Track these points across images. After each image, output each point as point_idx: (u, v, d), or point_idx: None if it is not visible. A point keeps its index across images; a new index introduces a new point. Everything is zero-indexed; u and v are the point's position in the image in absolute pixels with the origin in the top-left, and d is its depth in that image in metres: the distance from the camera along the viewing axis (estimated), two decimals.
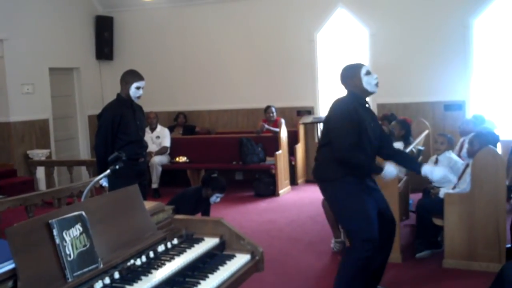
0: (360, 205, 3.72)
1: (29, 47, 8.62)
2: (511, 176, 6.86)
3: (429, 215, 5.02)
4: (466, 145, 5.49)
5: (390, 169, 3.82)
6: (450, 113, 8.42)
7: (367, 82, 3.79)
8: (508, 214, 4.82)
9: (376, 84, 3.84)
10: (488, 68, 8.33)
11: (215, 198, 5.10)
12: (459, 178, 5.08)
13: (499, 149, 5.26)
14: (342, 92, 3.93)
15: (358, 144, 3.66)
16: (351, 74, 3.83)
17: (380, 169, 3.82)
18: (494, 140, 5.21)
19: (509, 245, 4.82)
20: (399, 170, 3.97)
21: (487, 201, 4.60)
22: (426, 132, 7.53)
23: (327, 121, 3.85)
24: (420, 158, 6.72)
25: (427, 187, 5.76)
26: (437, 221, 4.95)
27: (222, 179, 5.18)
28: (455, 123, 8.09)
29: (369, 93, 3.85)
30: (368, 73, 3.81)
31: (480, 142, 4.81)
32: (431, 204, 5.08)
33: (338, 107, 3.77)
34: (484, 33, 8.26)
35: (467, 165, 4.96)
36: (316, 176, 3.93)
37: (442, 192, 4.98)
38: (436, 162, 5.60)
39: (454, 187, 5.06)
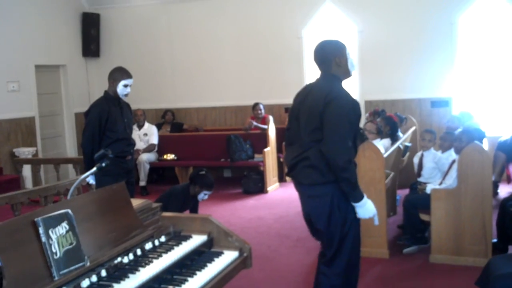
0: (356, 217, 3.27)
1: (15, 44, 8.53)
2: (497, 172, 6.95)
3: (416, 211, 5.05)
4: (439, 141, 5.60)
5: (371, 205, 3.19)
6: (436, 110, 8.48)
7: (351, 64, 3.27)
8: (494, 210, 4.86)
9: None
10: (474, 64, 8.39)
11: (203, 195, 5.08)
12: (446, 173, 5.12)
13: (485, 145, 5.31)
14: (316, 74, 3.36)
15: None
16: (339, 51, 3.23)
17: (361, 196, 3.13)
18: (480, 136, 5.26)
19: (495, 240, 4.87)
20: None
21: (473, 197, 4.64)
22: (413, 128, 7.59)
23: (321, 110, 3.08)
24: (407, 155, 6.78)
25: (414, 183, 5.79)
26: (424, 217, 4.99)
27: (210, 176, 5.16)
28: (442, 120, 8.17)
29: (349, 77, 3.31)
30: (349, 53, 3.28)
31: (467, 138, 4.85)
32: (418, 199, 5.11)
33: (340, 94, 3.12)
34: (469, 29, 8.33)
35: (453, 161, 4.99)
36: (310, 178, 3.15)
37: (429, 188, 5.02)
38: (421, 157, 5.64)
39: (441, 183, 5.09)
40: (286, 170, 3.47)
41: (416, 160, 5.77)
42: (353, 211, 3.21)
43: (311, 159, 3.11)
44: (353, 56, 3.34)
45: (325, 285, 3.27)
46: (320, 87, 3.20)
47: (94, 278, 2.22)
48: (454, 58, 8.35)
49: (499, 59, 8.28)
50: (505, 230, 4.88)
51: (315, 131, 3.11)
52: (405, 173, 6.91)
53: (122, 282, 2.24)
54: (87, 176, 3.29)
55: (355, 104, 3.14)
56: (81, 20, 9.92)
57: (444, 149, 5.45)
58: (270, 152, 8.28)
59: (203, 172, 5.12)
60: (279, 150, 8.66)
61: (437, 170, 5.48)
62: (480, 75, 8.40)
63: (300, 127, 3.21)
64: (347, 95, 3.16)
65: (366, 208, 3.16)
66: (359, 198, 3.12)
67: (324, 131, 3.07)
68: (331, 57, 3.22)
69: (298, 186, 3.31)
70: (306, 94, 3.26)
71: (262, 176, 8.16)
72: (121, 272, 2.33)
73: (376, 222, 3.29)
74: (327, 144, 3.04)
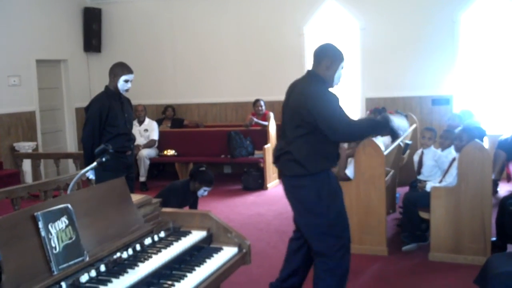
0: (341, 205, 3.54)
1: (16, 39, 8.52)
2: (497, 170, 6.95)
3: (415, 209, 5.05)
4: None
5: (399, 120, 3.43)
6: (437, 108, 8.48)
7: (338, 76, 3.50)
8: (493, 208, 4.87)
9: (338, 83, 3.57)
10: (475, 62, 8.38)
11: (202, 191, 5.09)
12: (446, 171, 5.12)
13: (485, 143, 5.31)
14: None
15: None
16: (335, 58, 3.45)
17: (384, 122, 3.40)
18: (481, 134, 5.26)
19: (494, 239, 4.88)
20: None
21: (473, 195, 4.64)
22: (414, 126, 7.58)
23: (303, 108, 3.34)
24: (407, 152, 6.78)
25: (414, 181, 5.80)
26: (423, 215, 4.99)
27: (210, 172, 5.16)
28: (443, 118, 8.16)
29: (330, 86, 3.49)
30: (342, 67, 3.51)
31: (467, 137, 4.85)
32: (418, 197, 5.12)
33: (316, 89, 3.37)
34: (471, 27, 8.31)
35: (453, 159, 4.99)
36: (293, 171, 3.45)
37: (429, 186, 5.02)
38: (421, 155, 5.64)
39: (440, 181, 5.09)
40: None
41: (416, 158, 5.77)
42: (336, 199, 3.47)
43: (292, 154, 3.41)
44: (343, 71, 3.55)
45: (321, 269, 3.49)
46: (301, 87, 3.46)
47: (93, 273, 2.22)
48: (456, 56, 8.33)
49: (500, 57, 8.26)
50: (504, 228, 4.88)
51: (297, 128, 3.40)
52: (405, 171, 6.91)
53: (121, 277, 2.24)
54: (87, 171, 3.30)
55: (330, 92, 3.39)
56: (82, 15, 9.91)
57: (444, 147, 5.45)
58: (271, 149, 8.27)
59: (203, 169, 5.12)
60: None
61: (437, 168, 5.48)
62: (481, 73, 8.39)
63: (285, 123, 3.55)
64: (321, 88, 3.38)
65: (398, 122, 3.41)
66: (385, 124, 3.40)
67: (321, 127, 3.30)
68: (324, 57, 3.45)
69: (283, 177, 3.63)
70: (290, 93, 3.55)
71: (262, 173, 8.16)
72: (120, 267, 2.33)
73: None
74: (332, 134, 3.30)
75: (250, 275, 4.49)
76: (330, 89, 3.45)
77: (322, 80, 3.45)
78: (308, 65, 8.93)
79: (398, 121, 3.42)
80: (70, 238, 2.21)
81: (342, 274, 3.50)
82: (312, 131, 3.36)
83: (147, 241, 2.62)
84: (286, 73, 9.04)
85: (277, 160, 3.60)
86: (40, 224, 2.12)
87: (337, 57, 3.46)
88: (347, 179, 5.14)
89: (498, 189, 7.15)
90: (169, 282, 2.37)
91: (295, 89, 3.50)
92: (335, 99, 3.36)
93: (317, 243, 3.50)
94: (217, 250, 2.80)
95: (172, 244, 2.67)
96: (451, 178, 4.89)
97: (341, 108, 3.35)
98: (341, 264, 3.47)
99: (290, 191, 3.59)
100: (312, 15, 8.93)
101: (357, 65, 8.84)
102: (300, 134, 3.38)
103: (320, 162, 3.41)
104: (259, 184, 8.14)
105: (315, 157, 3.39)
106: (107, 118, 4.71)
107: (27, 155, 8.04)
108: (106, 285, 2.17)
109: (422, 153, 5.63)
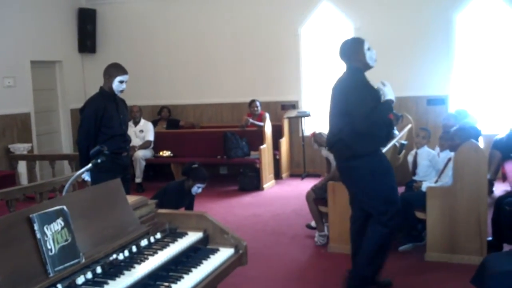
0: (393, 180, 3.97)
1: (10, 40, 8.49)
2: (492, 170, 6.97)
3: (411, 209, 5.05)
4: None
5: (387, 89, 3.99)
6: (433, 108, 8.49)
7: (370, 57, 3.93)
8: (489, 208, 4.87)
9: (376, 60, 3.99)
10: (471, 62, 8.40)
11: (196, 188, 5.07)
12: (441, 171, 5.12)
13: (481, 143, 5.32)
14: (330, 79, 3.94)
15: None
16: (356, 48, 3.93)
17: (389, 107, 3.95)
18: (476, 134, 5.27)
19: (490, 238, 4.89)
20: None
21: (468, 195, 4.65)
22: (409, 126, 7.59)
23: (344, 97, 3.81)
24: (403, 153, 6.78)
25: (410, 181, 5.80)
26: (419, 215, 5.00)
27: (203, 169, 5.15)
28: (438, 118, 8.17)
29: (369, 68, 3.95)
30: (369, 48, 3.95)
31: (462, 136, 4.86)
32: (414, 197, 5.12)
33: (353, 82, 3.83)
34: (466, 28, 8.34)
35: (449, 159, 5.00)
36: (346, 154, 3.88)
37: (424, 186, 5.03)
38: (415, 156, 5.64)
39: (436, 181, 5.10)
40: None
41: (410, 158, 5.77)
42: (387, 175, 3.88)
43: (345, 140, 3.84)
44: (372, 49, 3.98)
45: (376, 231, 3.92)
46: (343, 80, 3.92)
47: (89, 275, 2.21)
48: (451, 56, 8.36)
49: (495, 57, 8.29)
50: (500, 228, 4.90)
51: (344, 117, 3.81)
52: (400, 171, 6.89)
53: (117, 279, 2.23)
54: (83, 173, 3.29)
55: (369, 87, 3.86)
56: (77, 15, 9.89)
57: (444, 148, 5.44)
58: (266, 149, 8.28)
59: (196, 166, 5.11)
60: (275, 147, 8.66)
61: (431, 168, 5.49)
62: (476, 73, 8.41)
63: (333, 114, 3.98)
64: (359, 81, 3.84)
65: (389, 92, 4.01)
66: (390, 107, 3.96)
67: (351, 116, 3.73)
68: (350, 54, 3.92)
69: (338, 160, 4.08)
70: (335, 87, 3.98)
71: (258, 173, 8.16)
72: (116, 269, 2.32)
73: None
74: (356, 125, 3.74)
75: (246, 276, 4.48)
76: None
77: (359, 70, 3.90)
78: (304, 66, 9.01)
79: (388, 91, 3.98)
80: (66, 240, 2.20)
81: (388, 240, 4.00)
82: None
83: (143, 242, 2.62)
84: (282, 74, 9.08)
85: (332, 146, 4.03)
86: (36, 226, 2.11)
87: (358, 45, 3.93)
88: None
89: (494, 188, 7.16)
90: (166, 284, 2.37)
91: (339, 84, 3.93)
92: (369, 93, 3.80)
93: (373, 210, 3.94)
94: (214, 251, 2.80)
95: (168, 245, 2.66)
96: (446, 178, 4.89)
97: (373, 102, 3.76)
98: (392, 232, 3.98)
99: (346, 173, 4.01)
100: (307, 16, 8.94)
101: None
102: (348, 121, 3.77)
103: (369, 144, 3.83)
104: (255, 185, 8.13)
105: (364, 140, 3.79)
106: (102, 119, 4.70)
107: (22, 157, 8.01)
108: (102, 286, 2.16)
109: (416, 153, 5.64)
